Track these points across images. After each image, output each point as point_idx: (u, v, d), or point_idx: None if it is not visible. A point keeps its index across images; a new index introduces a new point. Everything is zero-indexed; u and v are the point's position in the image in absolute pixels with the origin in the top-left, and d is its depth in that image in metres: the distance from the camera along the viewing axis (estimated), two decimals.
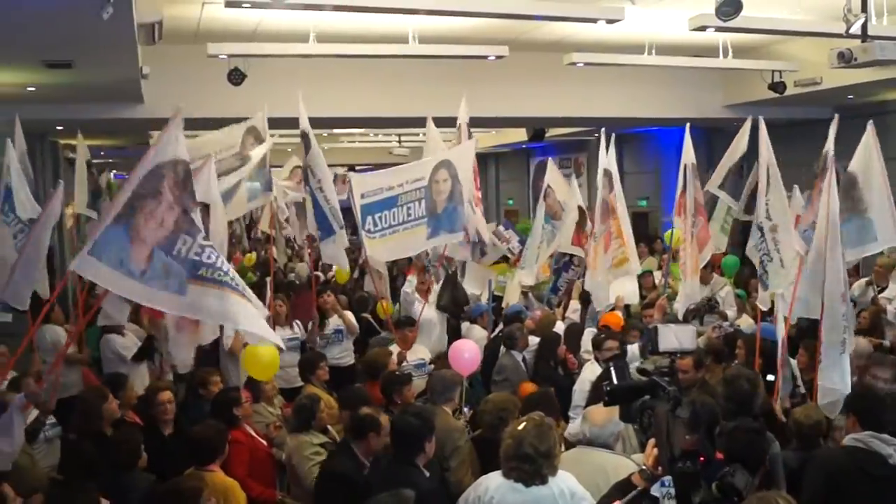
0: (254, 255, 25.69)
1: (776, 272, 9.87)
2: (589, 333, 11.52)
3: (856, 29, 10.41)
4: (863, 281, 13.22)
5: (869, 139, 10.06)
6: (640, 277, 14.45)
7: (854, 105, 17.90)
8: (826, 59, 11.68)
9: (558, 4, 11.77)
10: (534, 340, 11.53)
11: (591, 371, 10.04)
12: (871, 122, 9.71)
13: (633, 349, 10.73)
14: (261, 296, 12.82)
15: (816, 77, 16.16)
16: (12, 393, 8.03)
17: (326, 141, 28.52)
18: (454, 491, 7.19)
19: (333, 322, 12.44)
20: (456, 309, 12.86)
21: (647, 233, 22.83)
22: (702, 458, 4.90)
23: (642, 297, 13.89)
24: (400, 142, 29.99)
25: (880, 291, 12.82)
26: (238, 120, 11.88)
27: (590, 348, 10.88)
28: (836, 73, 14.13)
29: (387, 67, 15.67)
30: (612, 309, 12.44)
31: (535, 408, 7.06)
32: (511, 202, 35.36)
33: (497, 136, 29.04)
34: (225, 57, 14.00)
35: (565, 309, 13.71)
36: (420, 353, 11.20)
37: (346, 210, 11.60)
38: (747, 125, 12.50)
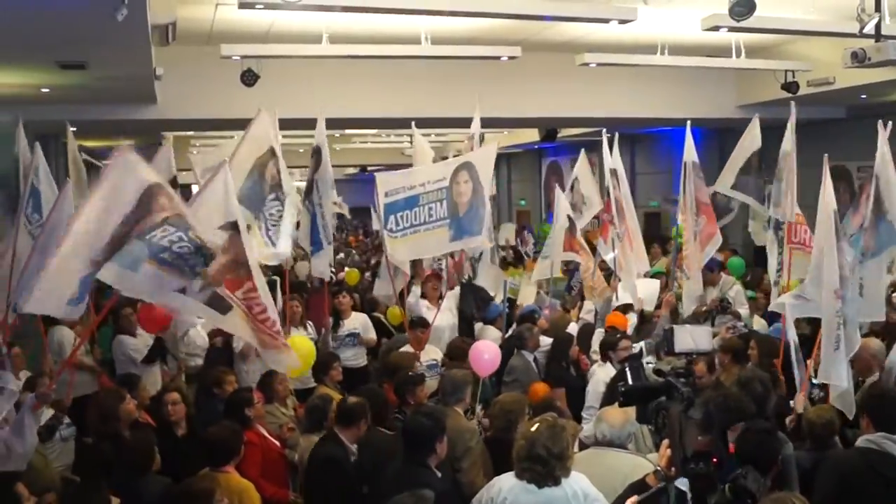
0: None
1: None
2: (598, 335, 11.53)
3: (869, 29, 10.39)
4: None
5: (882, 140, 10.02)
6: (653, 278, 14.46)
7: (867, 105, 17.86)
8: (839, 58, 11.67)
9: (571, 5, 11.76)
10: (547, 341, 11.55)
11: (604, 372, 10.04)
12: (880, 121, 9.66)
13: (635, 347, 10.79)
14: (272, 296, 12.89)
15: (830, 77, 16.12)
16: (25, 393, 8.07)
17: (338, 142, 28.59)
18: (466, 492, 7.20)
19: (348, 324, 12.44)
20: (481, 308, 12.84)
21: (660, 233, 22.80)
22: (715, 460, 4.90)
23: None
24: (412, 142, 29.98)
25: None
26: (249, 121, 11.90)
27: (597, 349, 10.89)
28: (850, 73, 14.10)
29: (399, 68, 15.68)
30: (626, 310, 12.46)
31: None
32: (523, 202, 35.34)
33: (509, 137, 29.04)
34: (238, 58, 14.03)
35: (579, 310, 13.72)
36: (432, 353, 11.20)
37: (352, 210, 11.66)
38: (755, 122, 12.46)
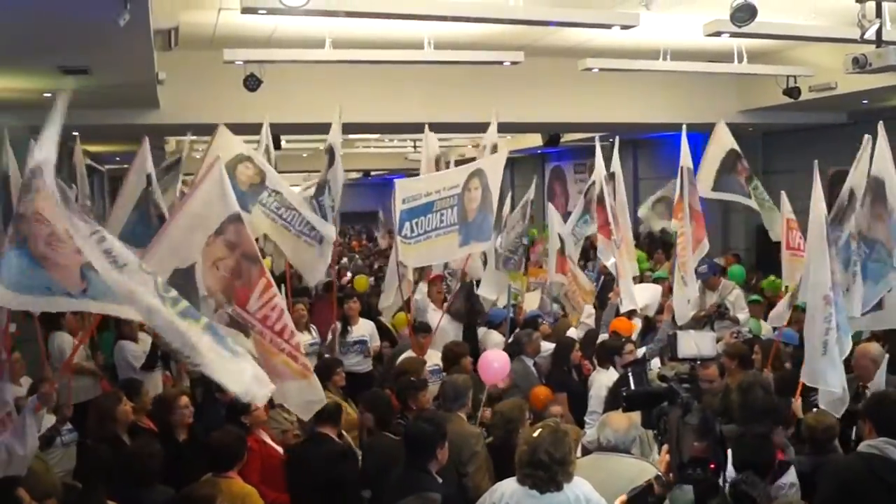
0: (269, 259, 25.66)
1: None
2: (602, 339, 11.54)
3: (870, 34, 10.40)
4: None
5: (883, 142, 10.00)
6: (656, 283, 14.48)
7: (869, 110, 17.87)
8: (841, 64, 11.69)
9: (573, 10, 11.77)
10: (547, 346, 11.56)
11: (607, 377, 10.03)
12: (881, 123, 9.66)
13: (638, 352, 10.79)
14: None
15: (831, 82, 16.14)
16: (25, 397, 8.07)
17: (342, 147, 28.54)
18: (472, 496, 7.20)
19: (357, 331, 12.42)
20: (469, 317, 12.80)
21: (664, 238, 22.79)
22: (712, 466, 4.90)
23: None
24: (415, 147, 29.99)
25: None
26: (251, 126, 11.90)
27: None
28: (851, 79, 14.11)
29: (402, 73, 15.71)
30: (630, 315, 12.47)
31: None
32: None
33: (512, 142, 29.04)
34: (241, 63, 14.04)
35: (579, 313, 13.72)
36: (435, 358, 11.17)
37: (356, 215, 11.64)
38: (720, 126, 12.56)
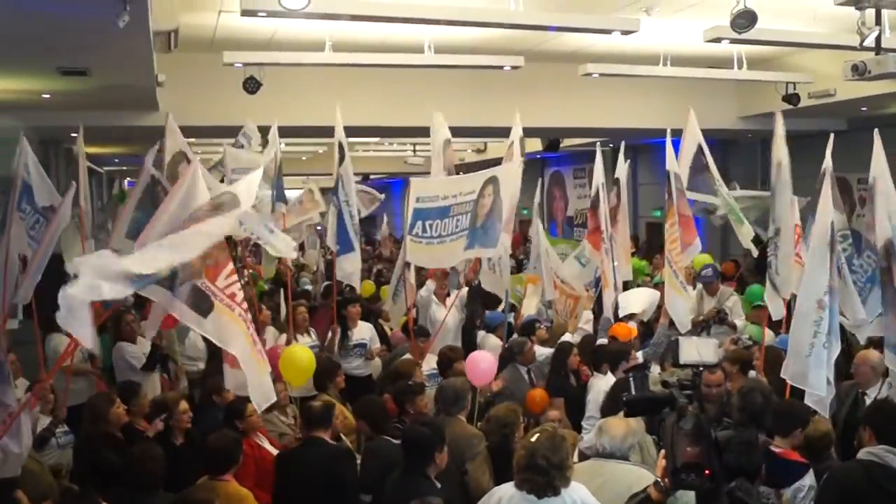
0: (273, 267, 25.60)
1: (776, 279, 10.02)
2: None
3: (870, 41, 10.41)
4: None
5: (878, 149, 9.97)
6: (657, 288, 14.45)
7: (868, 117, 17.88)
8: (840, 71, 11.68)
9: (574, 16, 11.78)
10: (543, 351, 11.59)
11: (605, 382, 10.01)
12: (876, 130, 9.63)
13: (637, 356, 10.76)
14: (272, 304, 12.87)
15: (830, 89, 16.16)
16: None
17: None
18: (473, 494, 7.20)
19: (357, 334, 12.41)
20: (481, 313, 12.82)
21: (662, 243, 22.76)
22: (707, 472, 4.89)
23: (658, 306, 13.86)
24: (415, 151, 30.00)
25: None
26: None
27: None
28: (850, 86, 14.11)
29: (402, 77, 15.71)
30: (626, 320, 12.45)
31: None
32: (526, 212, 35.28)
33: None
34: (240, 65, 14.06)
35: (577, 319, 13.70)
36: (433, 362, 11.17)
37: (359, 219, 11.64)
38: (691, 118, 12.46)
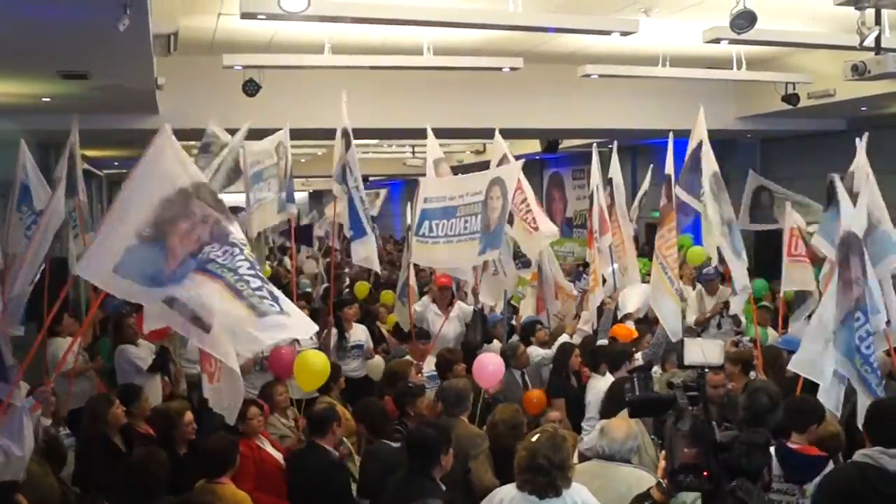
0: (268, 266, 25.67)
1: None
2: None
3: (869, 41, 10.41)
4: None
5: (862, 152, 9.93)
6: None
7: (868, 117, 17.88)
8: (840, 71, 11.68)
9: (573, 17, 11.79)
10: (540, 352, 11.64)
11: (604, 383, 10.02)
12: (857, 139, 9.61)
13: (638, 357, 10.78)
14: None
15: (830, 89, 16.15)
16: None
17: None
18: (477, 493, 7.20)
19: (353, 336, 12.41)
20: (483, 343, 12.80)
21: None
22: (705, 473, 4.88)
23: None
24: (414, 153, 30.02)
25: None
26: (251, 131, 11.87)
27: None
28: (850, 86, 14.10)
29: (402, 79, 15.70)
30: (623, 320, 12.47)
31: None
32: None
33: (511, 148, 28.97)
34: (240, 68, 14.05)
35: (577, 320, 13.71)
36: (433, 364, 11.18)
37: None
38: (700, 117, 12.41)
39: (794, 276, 11.59)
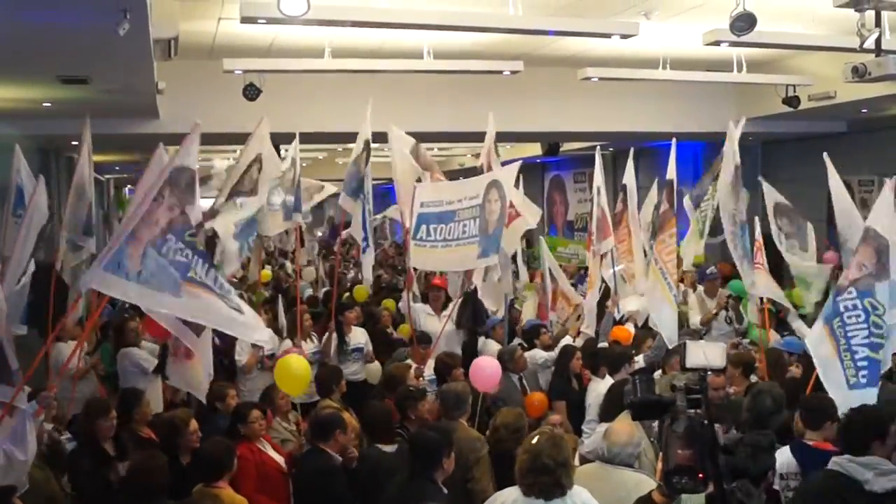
0: (269, 270, 25.63)
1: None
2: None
3: (870, 43, 10.41)
4: None
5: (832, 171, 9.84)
6: None
7: (868, 119, 17.88)
8: (840, 73, 11.69)
9: (573, 20, 11.79)
10: (542, 354, 11.62)
11: (604, 386, 10.02)
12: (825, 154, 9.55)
13: (640, 360, 10.77)
14: (272, 311, 12.89)
15: (830, 91, 16.15)
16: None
17: (341, 156, 28.59)
18: (478, 500, 7.20)
19: (353, 339, 12.41)
20: (476, 324, 12.81)
21: None
22: (701, 476, 4.87)
23: None
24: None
25: None
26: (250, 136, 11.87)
27: None
28: (851, 88, 14.11)
29: (402, 83, 15.69)
30: (622, 322, 12.49)
31: None
32: None
33: (511, 151, 28.97)
34: (240, 72, 14.05)
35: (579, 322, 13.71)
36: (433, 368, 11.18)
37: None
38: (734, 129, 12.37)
39: (760, 282, 11.53)
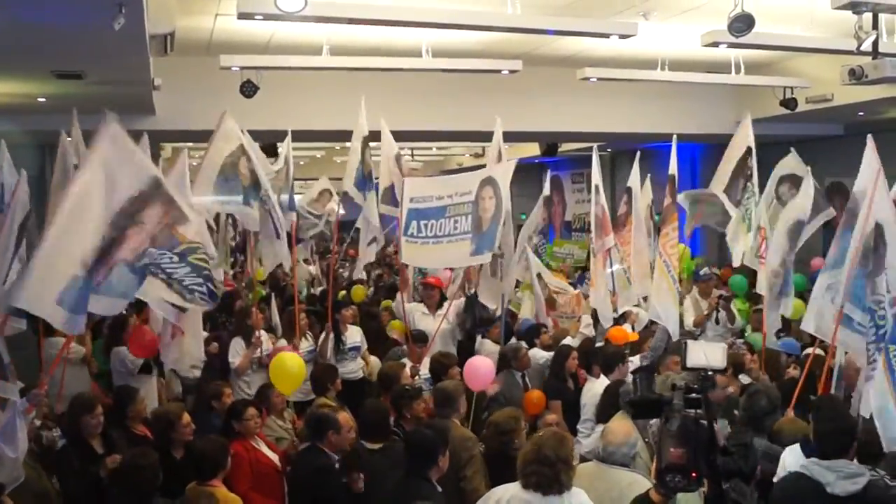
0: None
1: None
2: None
3: (867, 46, 10.39)
4: None
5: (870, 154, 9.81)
6: None
7: (865, 122, 17.87)
8: (837, 75, 11.66)
9: (572, 20, 11.77)
10: (543, 354, 11.59)
11: (600, 385, 10.01)
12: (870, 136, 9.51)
13: (636, 360, 10.75)
14: (269, 309, 12.87)
15: (828, 93, 16.15)
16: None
17: (339, 154, 28.57)
18: (470, 500, 7.19)
19: (350, 338, 12.38)
20: (480, 326, 12.78)
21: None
22: (694, 474, 4.86)
23: None
24: (413, 155, 29.97)
25: None
26: (248, 132, 11.83)
27: None
28: (848, 90, 14.10)
29: (400, 81, 15.67)
30: (620, 321, 12.48)
31: None
32: (524, 216, 35.23)
33: (510, 151, 28.88)
34: (237, 69, 14.00)
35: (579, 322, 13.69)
36: (428, 367, 11.15)
37: (352, 223, 11.69)
38: (746, 122, 12.37)
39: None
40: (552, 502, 5.91)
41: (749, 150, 12.16)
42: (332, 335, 11.98)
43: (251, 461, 8.20)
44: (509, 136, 21.25)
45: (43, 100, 13.64)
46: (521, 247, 13.12)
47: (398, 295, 12.99)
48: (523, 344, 11.65)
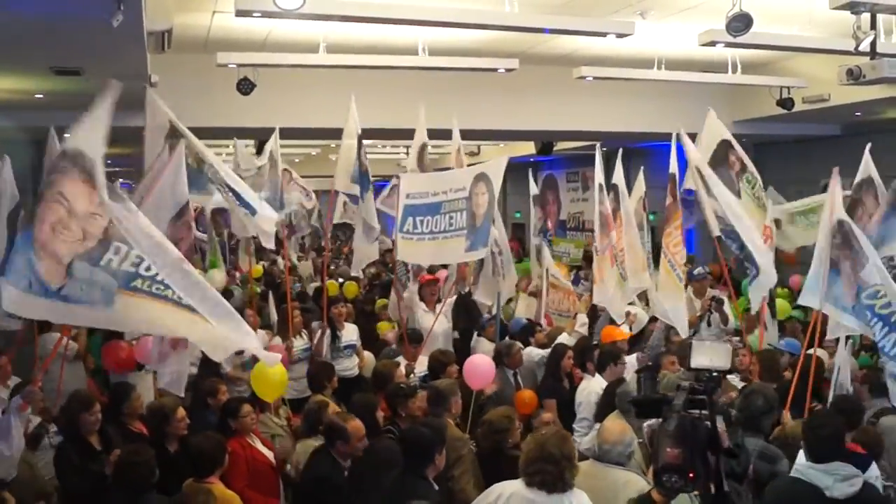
0: (261, 266, 25.55)
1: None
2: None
3: (865, 46, 10.39)
4: None
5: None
6: None
7: (862, 122, 17.88)
8: (835, 75, 11.66)
9: (569, 18, 11.77)
10: (538, 352, 11.60)
11: (597, 384, 10.02)
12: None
13: (632, 360, 10.75)
14: (263, 308, 12.86)
15: (825, 94, 16.15)
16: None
17: (334, 152, 28.54)
18: (459, 500, 7.19)
19: (346, 335, 12.38)
20: (473, 326, 12.81)
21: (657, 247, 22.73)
22: (691, 475, 4.86)
23: None
24: (408, 154, 29.93)
25: None
26: (245, 130, 11.83)
27: None
28: (845, 90, 14.10)
29: (397, 79, 15.65)
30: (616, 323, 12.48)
31: None
32: (518, 215, 35.30)
33: (505, 149, 29.01)
34: (234, 66, 13.99)
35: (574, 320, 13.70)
36: (425, 365, 11.16)
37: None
38: (710, 115, 12.39)
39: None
40: (556, 501, 5.91)
41: (725, 142, 12.15)
42: (328, 332, 12.00)
43: (247, 458, 8.21)
44: (504, 135, 21.34)
45: (40, 96, 13.62)
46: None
47: (392, 294, 12.99)
48: (516, 342, 11.67)
